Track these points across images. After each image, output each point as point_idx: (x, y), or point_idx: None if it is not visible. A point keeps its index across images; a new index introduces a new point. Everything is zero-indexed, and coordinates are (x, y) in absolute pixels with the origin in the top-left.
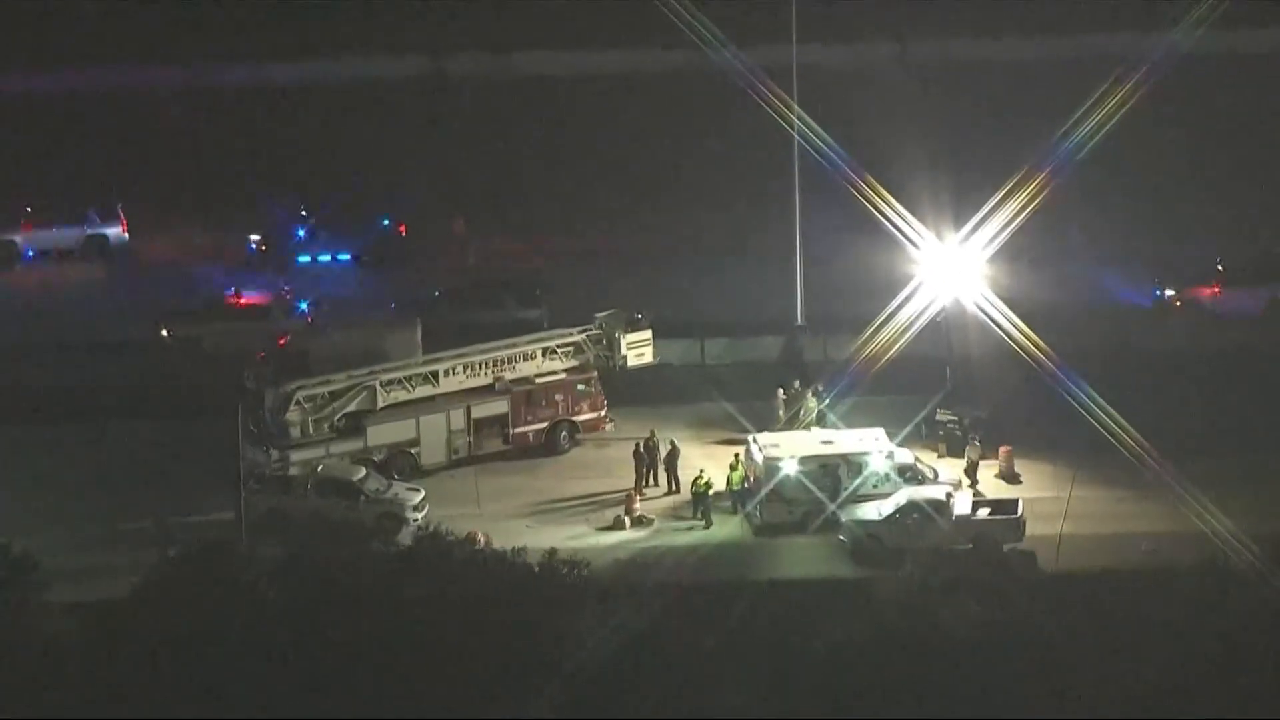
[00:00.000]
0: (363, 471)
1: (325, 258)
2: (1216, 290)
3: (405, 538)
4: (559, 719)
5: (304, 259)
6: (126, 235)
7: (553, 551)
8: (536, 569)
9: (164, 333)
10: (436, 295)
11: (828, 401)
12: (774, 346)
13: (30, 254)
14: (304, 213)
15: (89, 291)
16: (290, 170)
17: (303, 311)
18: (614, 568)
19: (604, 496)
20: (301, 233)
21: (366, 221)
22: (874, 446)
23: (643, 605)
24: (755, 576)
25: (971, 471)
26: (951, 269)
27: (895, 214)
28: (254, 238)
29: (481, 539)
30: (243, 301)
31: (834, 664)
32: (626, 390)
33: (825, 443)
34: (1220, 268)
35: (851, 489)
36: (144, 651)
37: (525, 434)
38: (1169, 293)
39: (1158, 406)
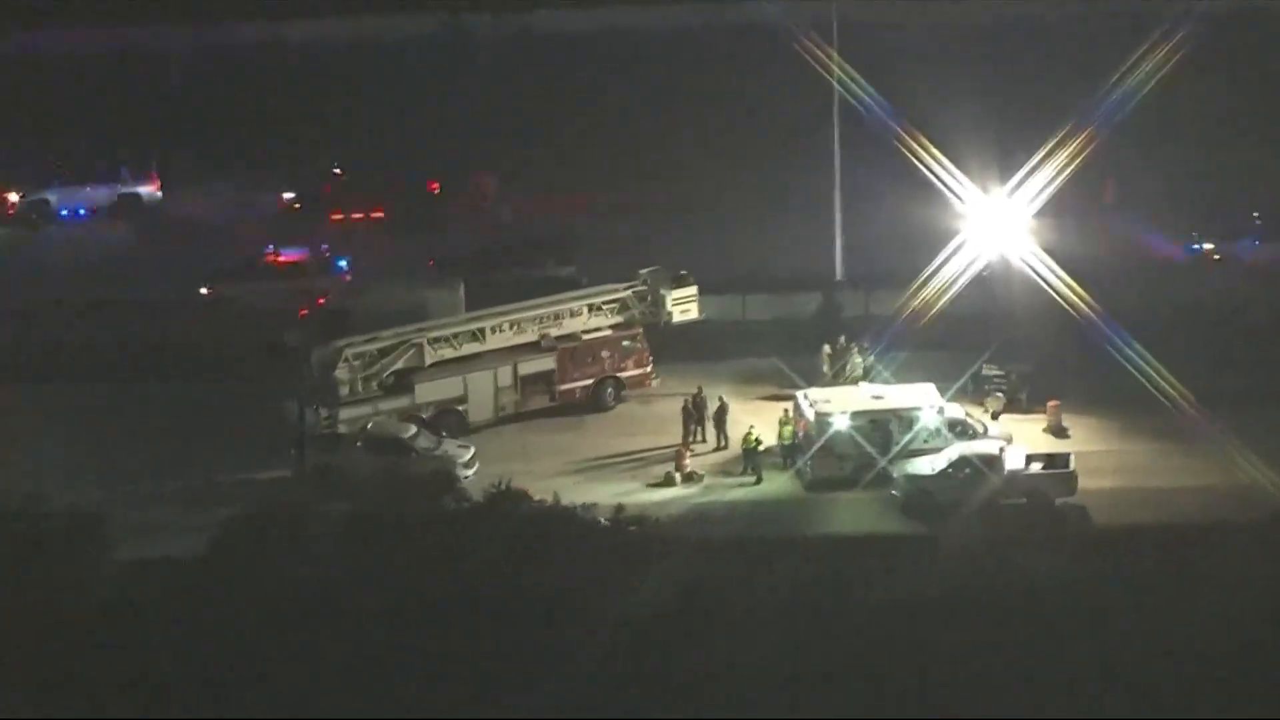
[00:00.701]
0: (413, 429)
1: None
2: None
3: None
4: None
5: (340, 216)
6: (160, 194)
7: (620, 508)
8: (604, 523)
9: (203, 291)
10: (470, 254)
11: (872, 357)
12: (814, 302)
13: (65, 212)
14: (336, 171)
15: (123, 250)
16: (320, 130)
17: (341, 269)
18: (671, 524)
19: (652, 453)
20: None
21: (398, 180)
22: (925, 401)
23: (711, 559)
24: (810, 531)
25: (994, 419)
26: (995, 223)
27: (938, 168)
28: (287, 195)
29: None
30: (281, 260)
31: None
32: (669, 346)
33: (876, 398)
34: (1257, 220)
35: (903, 444)
36: (220, 611)
37: (571, 390)
38: (1207, 246)
39: (1199, 360)
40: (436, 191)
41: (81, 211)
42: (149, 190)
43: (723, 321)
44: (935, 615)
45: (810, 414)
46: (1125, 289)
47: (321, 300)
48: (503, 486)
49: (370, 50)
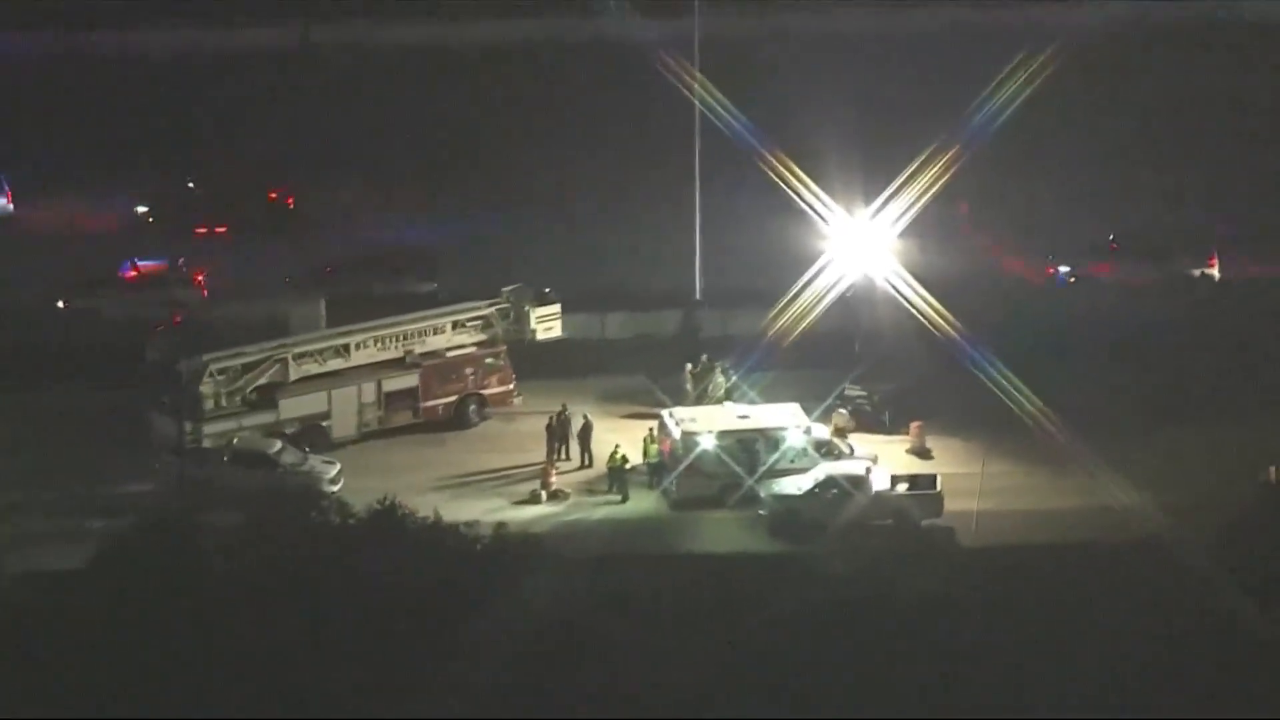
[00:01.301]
0: (278, 444)
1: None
2: (1107, 268)
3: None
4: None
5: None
6: (11, 206)
7: (501, 525)
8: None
9: (60, 304)
10: (329, 268)
11: (735, 378)
12: (673, 321)
13: None
14: (190, 184)
15: None
16: (171, 141)
17: (199, 283)
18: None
19: (516, 470)
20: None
21: (252, 192)
22: (791, 421)
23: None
24: (679, 550)
25: (840, 437)
26: (859, 243)
27: (800, 186)
28: (140, 209)
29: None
30: (139, 272)
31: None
32: (531, 364)
33: (742, 417)
34: (1113, 244)
35: (769, 464)
36: (103, 622)
37: (435, 407)
38: (1064, 269)
39: (1062, 381)
40: (291, 205)
41: None
42: (1, 202)
43: (583, 340)
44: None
45: (676, 433)
46: (985, 310)
47: (177, 315)
48: (387, 502)
49: (221, 61)
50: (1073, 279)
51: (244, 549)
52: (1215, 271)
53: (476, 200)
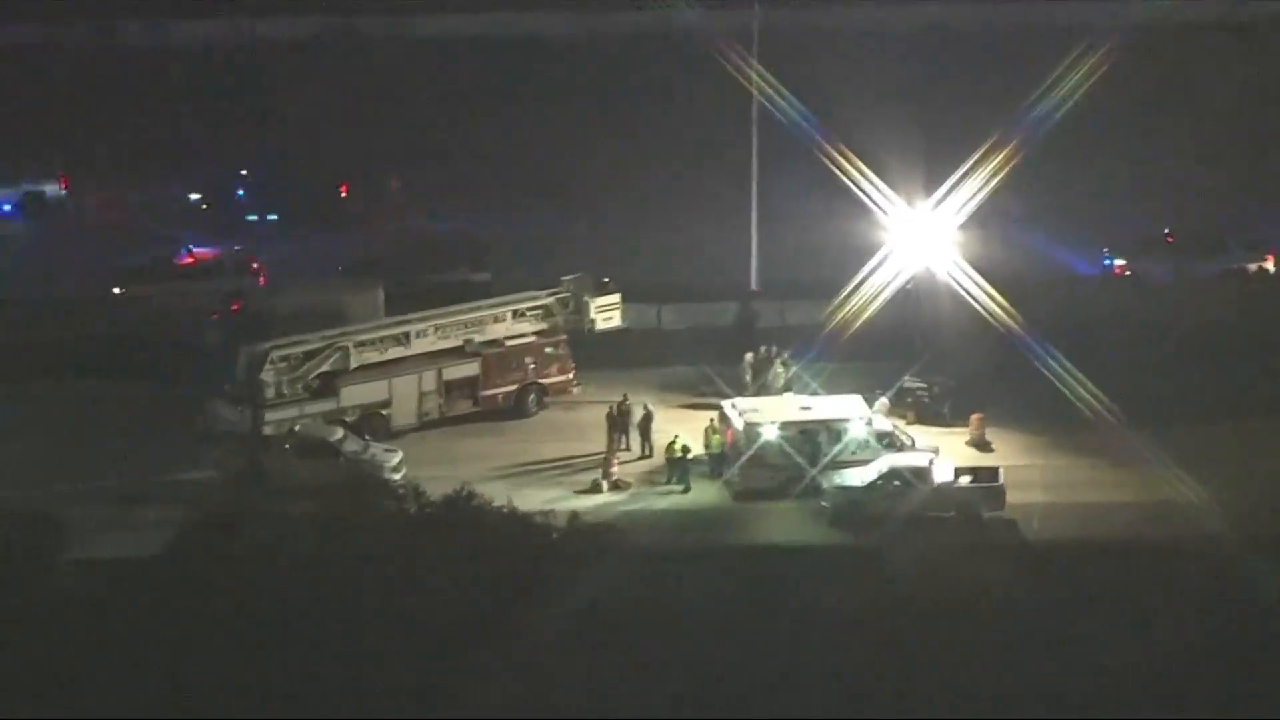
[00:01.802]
0: (340, 432)
1: (272, 217)
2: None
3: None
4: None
5: (251, 217)
6: (65, 191)
7: (575, 514)
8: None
9: (116, 290)
10: (384, 256)
11: (794, 369)
12: (729, 312)
13: None
14: (244, 172)
15: (30, 249)
16: (223, 130)
17: (255, 270)
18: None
19: (576, 460)
20: (242, 192)
21: (304, 181)
22: (853, 413)
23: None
24: (744, 540)
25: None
26: (919, 235)
27: (859, 178)
28: (194, 196)
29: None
30: (194, 260)
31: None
32: (588, 353)
33: (804, 408)
34: (1169, 238)
35: (831, 455)
36: (180, 612)
37: (494, 396)
38: (1118, 262)
39: (1122, 374)
40: (343, 193)
41: None
42: (54, 188)
43: (639, 330)
44: (878, 625)
45: (739, 424)
46: (1041, 302)
47: (236, 302)
48: (464, 491)
49: (271, 51)
50: (1128, 271)
51: (317, 537)
52: (1271, 266)
53: (527, 191)
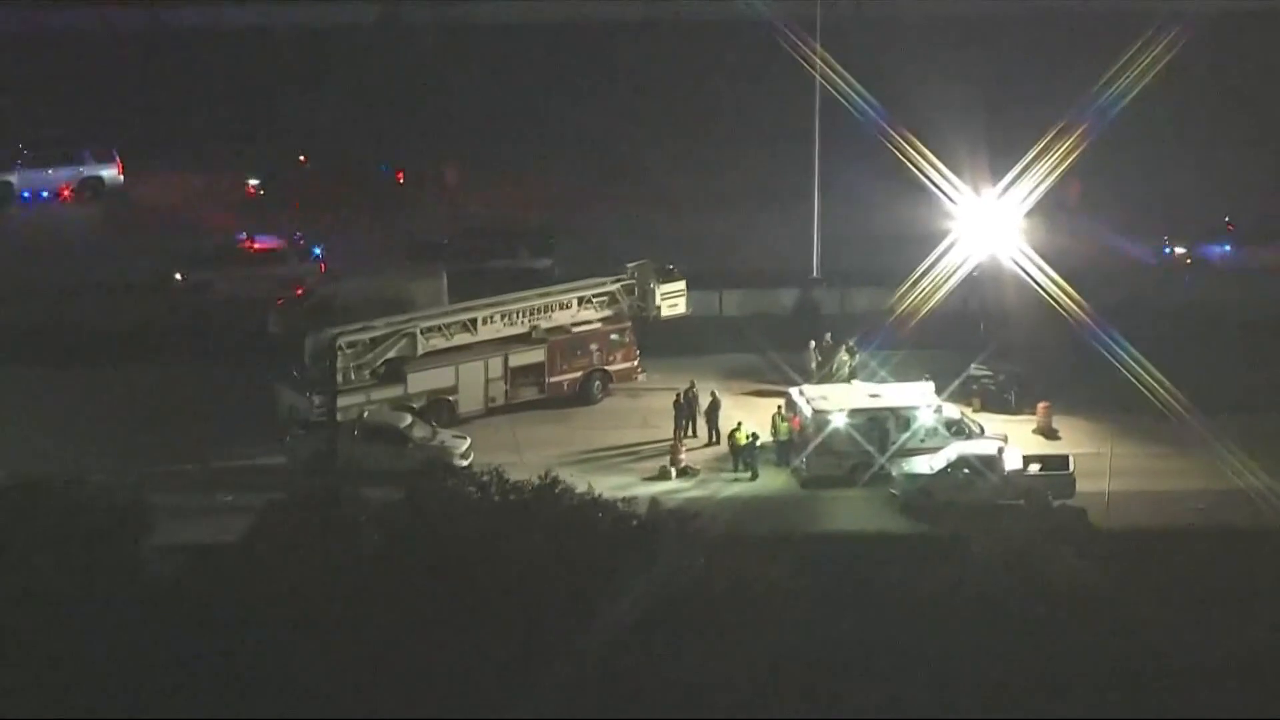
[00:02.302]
0: (408, 418)
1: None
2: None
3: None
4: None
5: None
6: (122, 177)
7: (654, 501)
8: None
9: (178, 276)
10: (445, 243)
11: (860, 356)
12: (790, 299)
13: (26, 195)
14: (301, 159)
15: (89, 234)
16: (280, 117)
17: (317, 257)
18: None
19: (642, 447)
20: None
21: (362, 168)
22: (922, 400)
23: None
24: (815, 528)
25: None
26: (984, 223)
27: (923, 165)
28: (252, 182)
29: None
30: (256, 246)
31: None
32: (651, 340)
33: (873, 396)
34: (1229, 226)
35: (900, 442)
36: (264, 597)
37: (560, 383)
38: (1178, 250)
39: (1187, 363)
40: (400, 180)
41: (44, 194)
42: (111, 173)
43: (700, 317)
44: (956, 614)
45: (807, 411)
46: (1104, 291)
47: (299, 289)
48: (548, 478)
49: (328, 37)
50: (1188, 260)
51: (398, 523)
52: None
53: (592, 178)
